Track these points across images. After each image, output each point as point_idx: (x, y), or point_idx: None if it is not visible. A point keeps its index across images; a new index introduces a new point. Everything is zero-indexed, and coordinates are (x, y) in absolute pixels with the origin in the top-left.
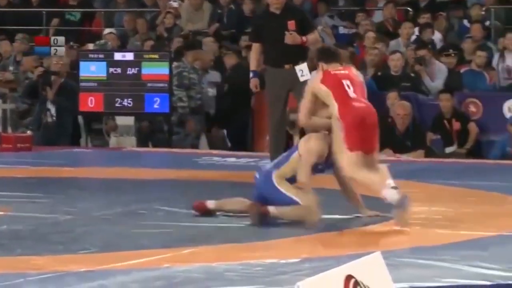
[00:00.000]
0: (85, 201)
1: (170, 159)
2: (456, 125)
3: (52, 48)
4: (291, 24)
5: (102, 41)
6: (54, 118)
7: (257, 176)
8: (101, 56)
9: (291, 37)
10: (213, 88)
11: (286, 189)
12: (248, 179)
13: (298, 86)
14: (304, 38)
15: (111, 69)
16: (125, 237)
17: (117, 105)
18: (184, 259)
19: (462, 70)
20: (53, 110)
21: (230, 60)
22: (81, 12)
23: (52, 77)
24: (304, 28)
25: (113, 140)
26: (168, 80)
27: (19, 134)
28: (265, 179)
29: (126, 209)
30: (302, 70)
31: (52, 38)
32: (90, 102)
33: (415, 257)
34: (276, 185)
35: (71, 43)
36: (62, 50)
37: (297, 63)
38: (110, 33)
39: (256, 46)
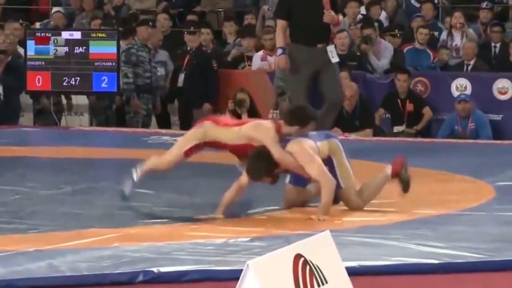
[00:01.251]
0: (34, 181)
1: (119, 139)
2: (410, 106)
3: (52, 48)
4: (326, 2)
5: (45, 21)
6: (2, 97)
7: None
8: (48, 35)
9: (329, 16)
10: (161, 67)
11: None
12: (195, 159)
13: (327, 67)
14: (340, 18)
15: (58, 49)
16: (74, 216)
17: (64, 84)
18: (132, 238)
19: (405, 49)
20: (0, 89)
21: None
22: None
23: None
24: (334, 9)
25: (63, 120)
26: (116, 59)
27: None
28: None
29: (74, 188)
30: (331, 51)
31: (52, 38)
32: (38, 81)
33: (363, 236)
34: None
35: (20, 21)
36: (62, 50)
37: (327, 44)
38: (58, 11)
39: (283, 23)
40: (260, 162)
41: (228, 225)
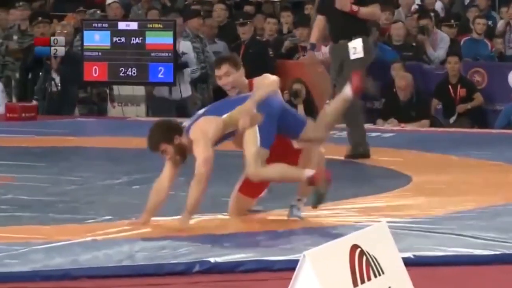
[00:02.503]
0: (90, 171)
1: None
2: (462, 91)
3: (52, 48)
4: None
5: (92, 10)
6: (59, 87)
7: None
8: (105, 25)
9: (340, 2)
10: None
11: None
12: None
13: (347, 64)
14: (354, 7)
15: (115, 39)
16: (130, 206)
17: (121, 74)
18: (188, 228)
19: (463, 40)
20: (57, 79)
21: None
22: None
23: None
24: (361, 2)
25: (117, 110)
26: (173, 50)
27: (24, 103)
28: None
29: (130, 178)
30: (355, 47)
31: (52, 38)
32: (94, 72)
33: (418, 227)
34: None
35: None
36: (62, 50)
37: (350, 39)
38: (114, 1)
39: (319, 19)
40: (158, 129)
41: (282, 216)
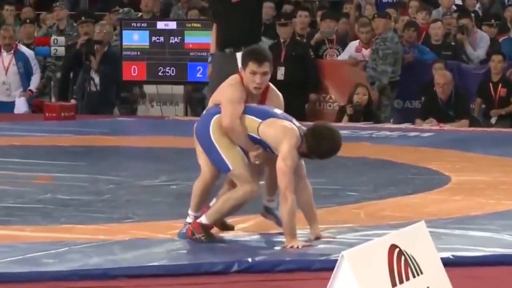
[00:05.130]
0: (128, 170)
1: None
2: (502, 91)
3: (52, 48)
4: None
5: (126, 9)
6: (98, 87)
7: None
8: (143, 25)
9: None
10: None
11: (218, 142)
12: None
13: None
14: None
15: (153, 38)
16: (169, 206)
17: (159, 74)
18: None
19: (501, 39)
20: (97, 79)
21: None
22: None
23: (96, 46)
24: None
25: (155, 109)
26: None
27: (63, 103)
28: (202, 123)
29: (169, 177)
30: None
31: (52, 38)
32: (133, 71)
33: (458, 227)
34: (211, 133)
35: (117, 7)
36: (62, 50)
37: (240, 49)
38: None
39: (215, 26)
40: None
41: (324, 215)
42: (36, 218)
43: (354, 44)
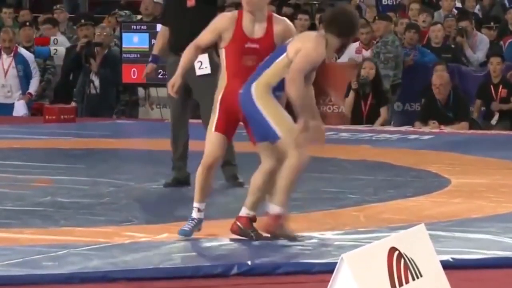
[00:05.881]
0: (128, 173)
1: None
2: (503, 92)
3: (52, 48)
4: None
5: (126, 12)
6: (98, 89)
7: (241, 91)
8: (143, 27)
9: None
10: None
11: (264, 108)
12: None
13: (193, 81)
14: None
15: (153, 41)
16: (168, 208)
17: (159, 76)
18: (225, 231)
19: (507, 42)
20: (96, 81)
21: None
22: None
23: (96, 49)
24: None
25: (155, 112)
26: None
27: (63, 105)
28: (245, 93)
29: (169, 180)
30: (201, 61)
31: (52, 38)
32: (133, 74)
33: (457, 229)
34: (255, 100)
35: (117, 9)
36: (62, 50)
37: None
38: (156, 2)
39: (163, 29)
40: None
41: (324, 218)
42: (36, 220)
43: (354, 45)
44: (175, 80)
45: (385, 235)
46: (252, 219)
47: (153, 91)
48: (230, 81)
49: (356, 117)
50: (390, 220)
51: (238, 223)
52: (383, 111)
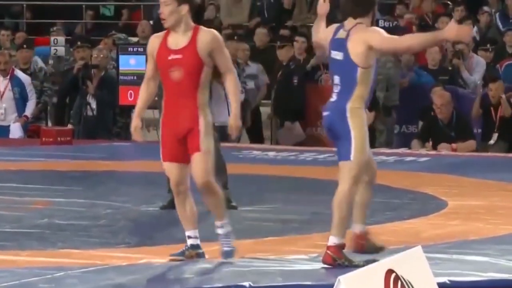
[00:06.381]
0: (125, 195)
1: None
2: (501, 111)
3: (52, 48)
4: None
5: (121, 35)
6: (95, 112)
7: (325, 113)
8: (140, 49)
9: None
10: (251, 81)
11: (354, 128)
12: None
13: None
14: None
15: None
16: (164, 231)
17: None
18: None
19: (504, 64)
20: (93, 104)
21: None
22: (114, 6)
23: (93, 71)
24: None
25: (152, 134)
26: None
27: (59, 127)
28: (336, 112)
29: (165, 203)
30: None
31: (52, 38)
32: (130, 96)
33: (454, 251)
34: (349, 119)
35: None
36: (62, 50)
37: None
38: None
39: None
40: None
41: (322, 240)
42: (33, 242)
43: None
44: (135, 124)
45: (382, 257)
46: (342, 247)
47: (149, 113)
48: (165, 101)
49: None
50: (387, 242)
51: (329, 252)
52: (370, 115)
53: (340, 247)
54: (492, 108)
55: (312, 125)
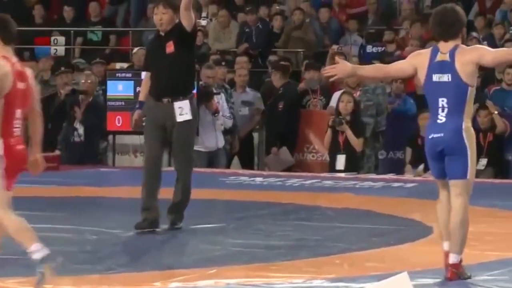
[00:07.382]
0: (112, 221)
1: (198, 179)
2: (490, 136)
3: (52, 48)
4: (169, 46)
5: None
6: (82, 137)
7: (437, 135)
8: (128, 75)
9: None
10: (245, 107)
11: (471, 147)
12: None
13: (173, 127)
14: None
15: (138, 88)
16: (151, 257)
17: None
18: (213, 277)
19: (492, 89)
20: (81, 129)
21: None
22: (102, 32)
23: (80, 96)
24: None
25: (139, 159)
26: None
27: (46, 153)
28: (451, 131)
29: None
30: (182, 107)
31: (52, 38)
32: (118, 121)
33: (440, 277)
34: (465, 139)
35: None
36: (62, 50)
37: (178, 98)
38: (140, 49)
39: (147, 75)
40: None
41: (307, 266)
42: (19, 269)
43: (338, 94)
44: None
45: (369, 282)
46: (461, 262)
47: (136, 138)
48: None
49: (334, 148)
50: (373, 268)
51: (455, 270)
52: (359, 141)
53: (461, 262)
54: (481, 134)
55: (301, 150)
